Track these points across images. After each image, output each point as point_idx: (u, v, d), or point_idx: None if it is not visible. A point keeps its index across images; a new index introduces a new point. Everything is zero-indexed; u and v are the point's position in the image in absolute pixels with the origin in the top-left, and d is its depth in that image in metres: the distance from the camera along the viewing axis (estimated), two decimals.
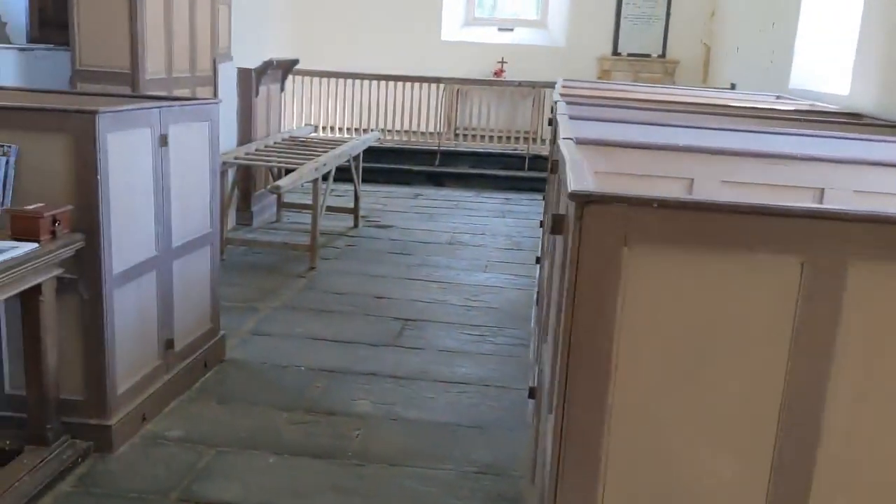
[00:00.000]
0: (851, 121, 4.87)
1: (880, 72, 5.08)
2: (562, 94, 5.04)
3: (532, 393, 3.00)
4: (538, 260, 5.18)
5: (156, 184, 3.20)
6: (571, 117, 3.22)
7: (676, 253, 1.38)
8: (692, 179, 2.35)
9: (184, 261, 3.51)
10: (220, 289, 4.01)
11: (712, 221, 1.36)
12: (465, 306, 5.05)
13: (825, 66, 6.69)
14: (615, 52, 10.94)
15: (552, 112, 5.36)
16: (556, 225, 1.85)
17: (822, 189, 2.29)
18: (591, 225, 1.37)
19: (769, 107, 5.25)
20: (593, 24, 10.82)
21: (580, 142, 2.33)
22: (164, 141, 3.21)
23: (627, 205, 1.36)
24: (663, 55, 10.89)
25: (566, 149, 2.05)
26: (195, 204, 3.59)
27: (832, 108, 5.46)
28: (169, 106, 3.32)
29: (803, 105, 5.81)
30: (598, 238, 1.38)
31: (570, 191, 1.39)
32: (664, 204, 1.36)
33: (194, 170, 3.55)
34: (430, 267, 5.85)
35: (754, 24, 8.42)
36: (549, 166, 2.73)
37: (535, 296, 4.94)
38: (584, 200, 1.37)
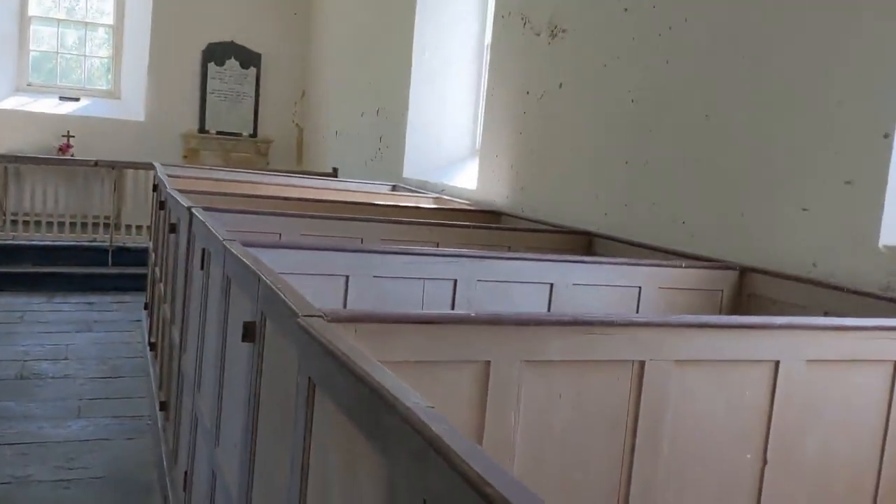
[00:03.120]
0: (494, 223, 4.66)
1: (506, 169, 5.01)
2: (178, 190, 4.03)
3: None
4: (163, 406, 4.00)
5: None
6: (244, 244, 2.30)
7: None
8: (489, 362, 1.62)
9: None
10: None
11: None
12: (59, 481, 3.65)
13: (439, 157, 6.64)
14: (202, 130, 10.01)
15: (169, 214, 4.25)
16: None
17: (644, 361, 1.73)
18: None
19: (415, 205, 4.85)
20: (176, 99, 9.79)
21: (333, 318, 1.45)
22: None
23: None
24: (255, 134, 10.25)
25: (347, 350, 1.17)
26: None
27: (464, 203, 5.28)
28: None
29: (428, 197, 5.59)
30: None
31: None
32: None
33: None
34: None
35: (355, 109, 8.20)
36: (245, 335, 1.80)
37: (164, 458, 3.75)
38: None
